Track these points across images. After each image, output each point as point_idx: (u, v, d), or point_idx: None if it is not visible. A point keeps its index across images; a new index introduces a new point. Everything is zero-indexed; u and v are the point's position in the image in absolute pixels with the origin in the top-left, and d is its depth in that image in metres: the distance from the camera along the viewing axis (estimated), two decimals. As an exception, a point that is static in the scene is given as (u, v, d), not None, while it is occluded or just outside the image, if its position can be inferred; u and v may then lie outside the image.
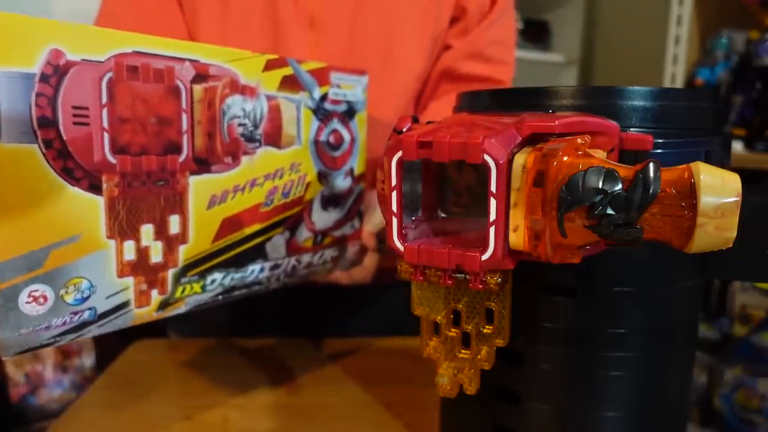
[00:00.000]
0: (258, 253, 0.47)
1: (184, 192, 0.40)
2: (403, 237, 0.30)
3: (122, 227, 0.37)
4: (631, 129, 0.32)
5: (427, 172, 0.33)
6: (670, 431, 0.37)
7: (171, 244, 0.40)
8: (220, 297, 0.45)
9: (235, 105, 0.42)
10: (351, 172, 0.54)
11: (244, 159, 0.44)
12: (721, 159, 0.34)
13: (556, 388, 0.35)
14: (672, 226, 0.24)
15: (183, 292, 0.42)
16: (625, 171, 0.25)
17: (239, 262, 0.45)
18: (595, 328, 0.34)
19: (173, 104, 0.38)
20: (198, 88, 0.40)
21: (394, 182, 0.29)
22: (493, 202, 0.27)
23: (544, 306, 0.34)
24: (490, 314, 0.33)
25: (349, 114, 0.52)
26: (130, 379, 0.58)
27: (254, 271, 0.47)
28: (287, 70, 0.46)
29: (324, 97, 0.49)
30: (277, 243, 0.48)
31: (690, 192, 0.24)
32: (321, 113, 0.49)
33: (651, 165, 0.24)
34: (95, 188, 0.35)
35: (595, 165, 0.25)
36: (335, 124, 0.51)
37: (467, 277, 0.29)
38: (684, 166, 0.24)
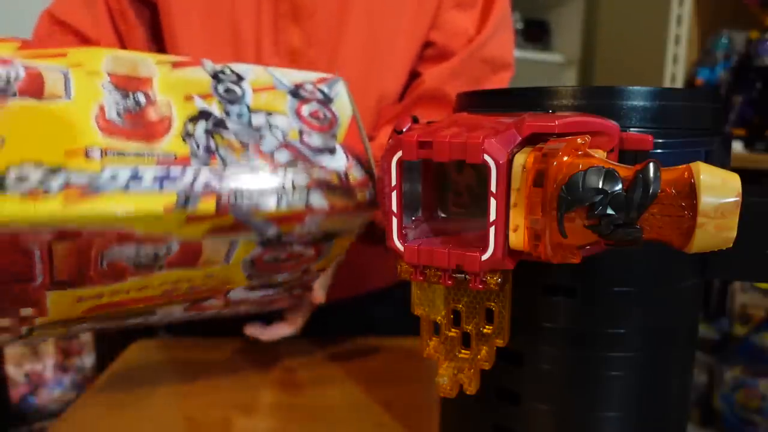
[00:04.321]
0: (143, 315, 0.41)
1: None
2: (403, 237, 0.30)
3: None
4: (631, 129, 0.32)
5: (427, 172, 0.33)
6: (670, 431, 0.37)
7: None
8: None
9: None
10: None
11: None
12: (721, 159, 0.34)
13: (556, 388, 0.35)
14: (672, 226, 0.24)
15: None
16: (625, 171, 0.25)
17: (116, 317, 0.40)
18: (595, 328, 0.34)
19: None
20: None
21: (394, 182, 0.29)
22: (493, 202, 0.27)
23: (544, 306, 0.34)
24: (490, 314, 0.33)
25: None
26: (130, 379, 0.58)
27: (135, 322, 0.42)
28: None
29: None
30: (170, 311, 0.42)
31: (690, 192, 0.24)
32: (272, 242, 0.39)
33: (651, 165, 0.24)
34: None
35: (595, 165, 0.25)
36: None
37: (467, 277, 0.29)
38: (684, 166, 0.24)
